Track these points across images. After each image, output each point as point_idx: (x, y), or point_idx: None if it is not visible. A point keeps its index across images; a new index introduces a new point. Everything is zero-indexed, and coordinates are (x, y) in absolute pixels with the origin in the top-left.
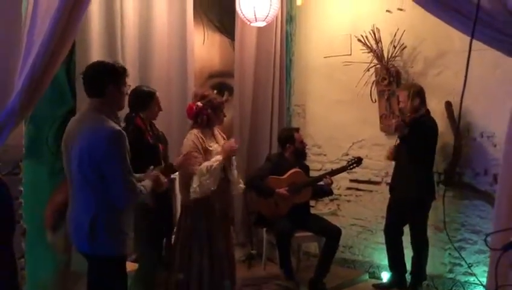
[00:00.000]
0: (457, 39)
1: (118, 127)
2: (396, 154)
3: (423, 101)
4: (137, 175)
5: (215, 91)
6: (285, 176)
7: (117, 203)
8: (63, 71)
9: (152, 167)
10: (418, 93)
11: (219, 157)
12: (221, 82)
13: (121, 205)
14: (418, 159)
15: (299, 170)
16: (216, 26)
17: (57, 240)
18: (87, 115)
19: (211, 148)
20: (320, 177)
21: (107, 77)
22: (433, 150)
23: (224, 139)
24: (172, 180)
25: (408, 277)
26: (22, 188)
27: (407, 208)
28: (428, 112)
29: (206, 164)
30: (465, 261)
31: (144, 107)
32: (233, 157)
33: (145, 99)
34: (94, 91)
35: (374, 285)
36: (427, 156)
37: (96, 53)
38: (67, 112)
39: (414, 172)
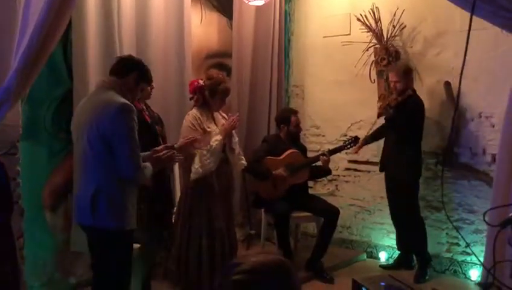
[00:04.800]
0: (458, 19)
1: (127, 101)
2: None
3: (411, 80)
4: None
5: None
6: (282, 156)
7: (122, 174)
8: (59, 52)
9: (157, 148)
10: (408, 72)
11: (219, 137)
12: (219, 62)
13: (126, 175)
14: (405, 140)
15: (295, 150)
16: (214, 5)
17: (55, 220)
18: (99, 92)
19: (209, 129)
20: (317, 157)
21: (136, 66)
22: (419, 130)
23: (224, 119)
24: None
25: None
26: (19, 168)
27: (397, 187)
28: (414, 91)
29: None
30: (464, 240)
31: None
32: (234, 133)
33: None
34: (118, 70)
35: (381, 265)
36: (413, 136)
37: (92, 33)
38: (64, 92)
39: (399, 152)
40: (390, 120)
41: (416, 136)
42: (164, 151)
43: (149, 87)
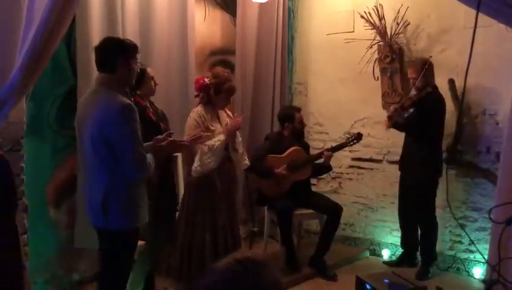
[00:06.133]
0: (462, 16)
1: (128, 101)
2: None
3: (432, 75)
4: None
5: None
6: (285, 154)
7: (128, 176)
8: (63, 49)
9: (159, 136)
10: (428, 67)
11: (221, 136)
12: (222, 59)
13: (132, 177)
14: (424, 138)
15: (298, 147)
16: (217, 2)
17: (59, 217)
18: (97, 91)
19: (212, 128)
20: (320, 154)
21: (117, 51)
22: (440, 127)
23: (229, 117)
24: (174, 159)
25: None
26: (23, 165)
27: (415, 185)
28: (436, 88)
29: (208, 142)
30: (469, 237)
31: (138, 85)
32: (238, 133)
33: (137, 77)
34: (105, 66)
35: (384, 262)
36: (433, 134)
37: (96, 30)
38: (68, 89)
39: (421, 150)
40: (403, 126)
41: (436, 134)
42: (168, 139)
43: (153, 82)
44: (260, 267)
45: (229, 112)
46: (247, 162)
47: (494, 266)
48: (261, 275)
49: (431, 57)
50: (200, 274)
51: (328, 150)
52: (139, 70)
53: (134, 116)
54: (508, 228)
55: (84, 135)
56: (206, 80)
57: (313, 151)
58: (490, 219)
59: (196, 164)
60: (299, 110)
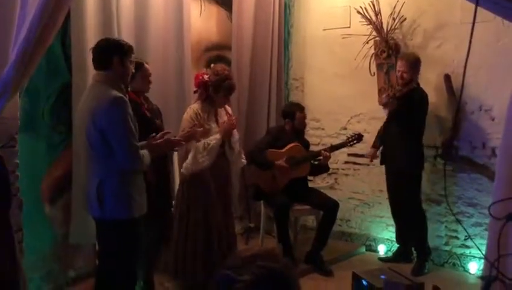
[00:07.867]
0: (458, 11)
1: (120, 94)
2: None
3: (418, 72)
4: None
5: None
6: (284, 149)
7: (121, 166)
8: (58, 44)
9: (154, 134)
10: (418, 65)
11: (217, 136)
12: (218, 55)
13: (124, 167)
14: (408, 132)
15: (298, 144)
16: None
17: (55, 213)
18: (93, 86)
19: (208, 127)
20: (319, 152)
21: (112, 50)
22: (422, 122)
23: (228, 114)
24: (170, 156)
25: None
26: (18, 161)
27: (398, 179)
28: (418, 84)
29: (204, 141)
30: (467, 232)
31: (131, 78)
32: (235, 131)
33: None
34: (100, 64)
35: (379, 258)
36: (416, 128)
37: (91, 26)
38: (63, 85)
39: (403, 144)
40: (396, 113)
41: (420, 129)
42: (164, 137)
43: (146, 79)
44: (290, 265)
45: (228, 109)
46: (243, 160)
47: (492, 262)
48: (292, 272)
49: None
50: (196, 272)
51: (326, 149)
52: (134, 61)
53: (126, 108)
54: (507, 224)
55: (82, 128)
56: (206, 76)
57: (311, 148)
58: (490, 214)
59: (188, 161)
60: (302, 109)
